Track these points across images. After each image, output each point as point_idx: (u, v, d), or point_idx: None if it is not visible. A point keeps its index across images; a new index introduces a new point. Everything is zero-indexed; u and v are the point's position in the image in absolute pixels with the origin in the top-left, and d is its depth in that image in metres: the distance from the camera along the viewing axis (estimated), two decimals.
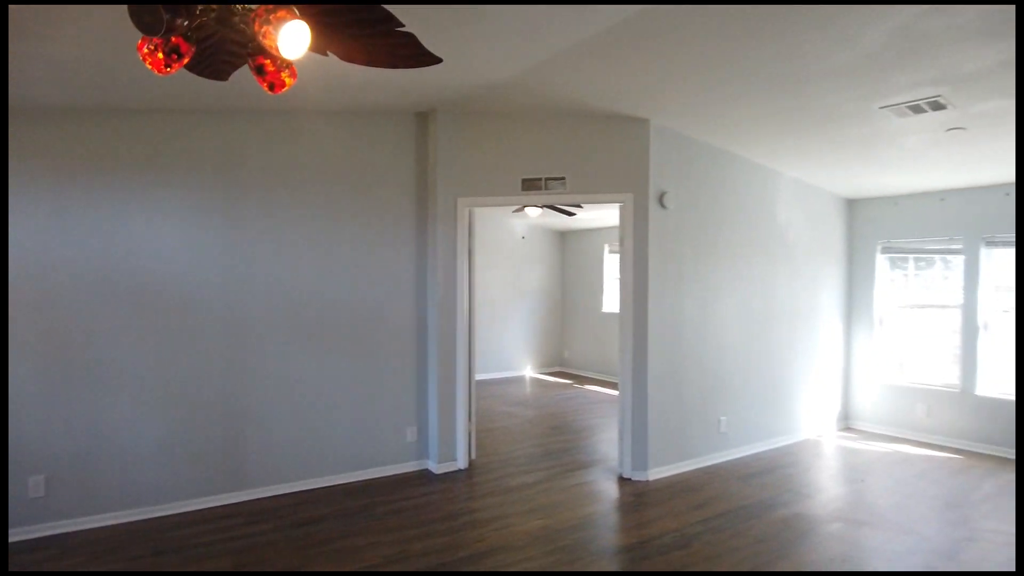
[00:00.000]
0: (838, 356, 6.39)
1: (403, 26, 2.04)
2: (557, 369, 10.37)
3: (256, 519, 3.94)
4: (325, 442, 4.58)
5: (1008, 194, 5.34)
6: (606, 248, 9.59)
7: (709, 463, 5.13)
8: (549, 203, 5.24)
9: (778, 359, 5.72)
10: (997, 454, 5.36)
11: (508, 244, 9.78)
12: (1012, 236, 5.33)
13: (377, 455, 4.80)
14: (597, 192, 4.84)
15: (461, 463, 4.99)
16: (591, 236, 9.84)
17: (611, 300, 9.55)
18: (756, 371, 5.52)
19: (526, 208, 7.23)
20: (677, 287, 4.93)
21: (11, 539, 3.55)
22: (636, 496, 4.42)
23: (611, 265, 9.61)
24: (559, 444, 5.84)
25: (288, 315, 4.44)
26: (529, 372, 10.08)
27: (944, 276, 5.97)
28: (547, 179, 4.87)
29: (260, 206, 4.35)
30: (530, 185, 4.88)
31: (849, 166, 5.37)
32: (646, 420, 4.73)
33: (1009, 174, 5.14)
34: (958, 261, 5.71)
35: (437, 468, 4.87)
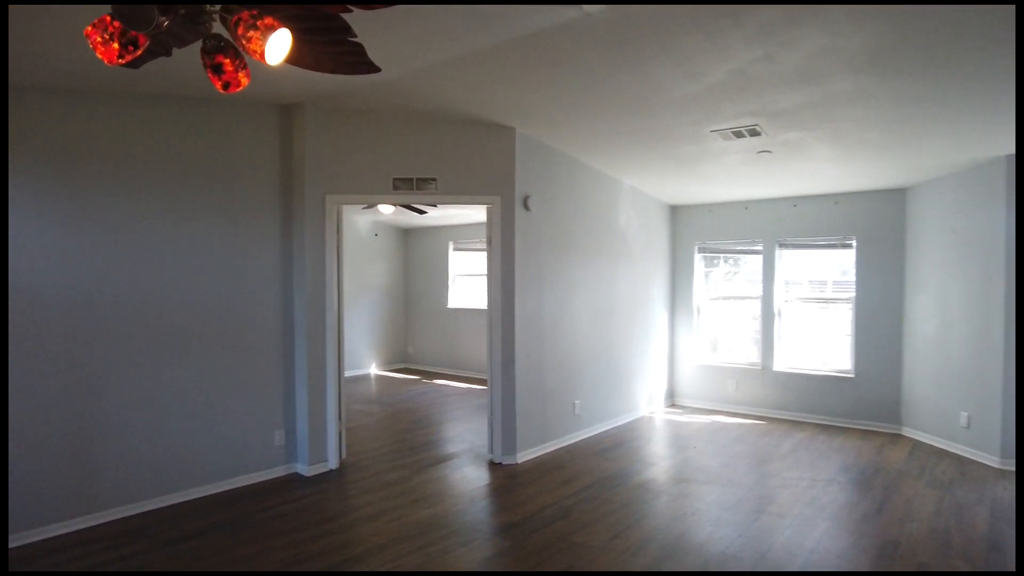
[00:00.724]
0: (665, 342, 7.31)
1: (356, 36, 2.11)
2: (402, 366, 10.43)
3: (120, 542, 3.59)
4: (187, 453, 4.27)
5: (795, 205, 6.54)
6: (451, 245, 9.85)
7: (568, 443, 5.64)
8: (420, 203, 5.36)
9: (620, 347, 6.42)
10: (790, 418, 6.57)
11: (352, 241, 9.61)
12: (799, 239, 6.55)
13: (244, 462, 4.58)
14: (466, 194, 5.07)
15: (332, 463, 4.94)
16: (436, 233, 10.03)
17: (457, 296, 9.85)
18: (603, 358, 6.16)
19: (379, 205, 7.25)
20: (538, 283, 5.33)
21: None
22: (510, 478, 4.75)
23: (457, 262, 9.90)
24: (424, 437, 5.99)
25: (143, 318, 4.07)
26: (374, 370, 10.02)
27: (747, 272, 7.12)
28: (418, 179, 5.00)
29: (107, 199, 3.92)
30: (401, 185, 4.96)
31: (678, 178, 6.18)
32: (514, 408, 5.08)
33: (798, 189, 6.30)
34: (757, 260, 6.85)
35: (308, 471, 4.78)
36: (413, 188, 4.99)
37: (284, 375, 4.81)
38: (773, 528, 3.79)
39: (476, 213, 8.60)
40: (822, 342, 6.60)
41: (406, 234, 10.49)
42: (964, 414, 5.20)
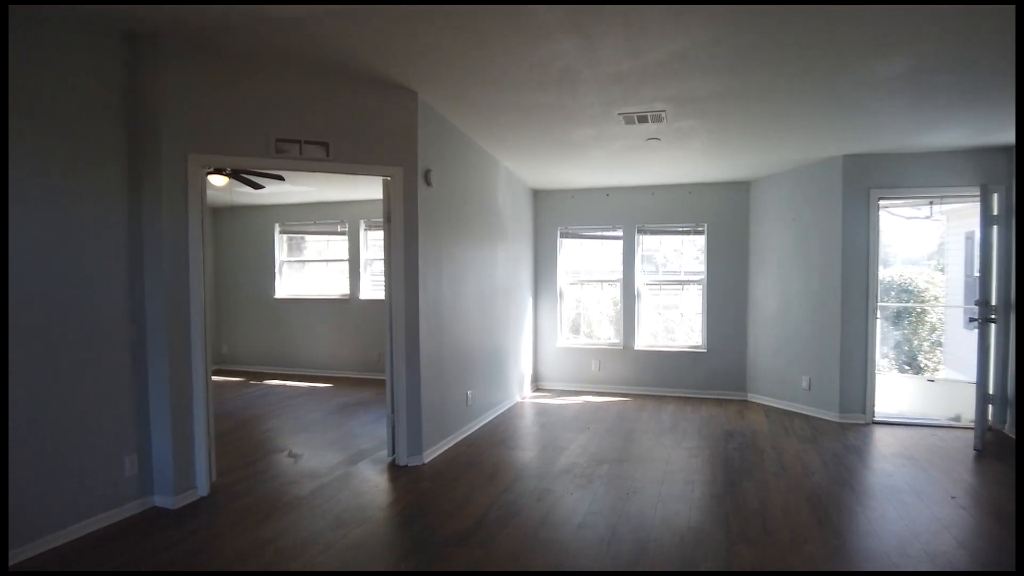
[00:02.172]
0: (530, 326, 7.30)
1: None
2: (216, 367, 8.96)
3: None
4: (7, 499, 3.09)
5: (653, 194, 6.97)
6: (277, 228, 8.71)
7: (463, 436, 5.31)
8: (310, 170, 4.55)
9: (500, 332, 6.24)
10: (652, 393, 7.02)
11: None
12: (658, 225, 6.98)
13: (85, 502, 3.45)
14: (364, 163, 4.45)
15: (202, 490, 3.99)
16: (257, 214, 8.78)
17: (286, 285, 8.76)
18: (487, 345, 5.92)
19: (210, 177, 6.10)
20: (437, 267, 4.91)
21: None
22: (428, 481, 4.29)
23: (285, 247, 8.82)
24: (296, 447, 5.17)
25: None
26: None
27: (608, 256, 7.41)
28: (306, 142, 4.26)
29: None
30: (285, 147, 4.19)
31: (562, 161, 6.07)
32: (420, 405, 4.60)
33: (657, 178, 6.69)
34: (618, 244, 7.17)
35: (174, 502, 3.79)
36: (299, 152, 4.23)
37: (134, 383, 3.75)
38: (712, 495, 3.95)
39: (313, 191, 7.70)
40: (677, 321, 7.17)
41: (216, 214, 9.01)
42: (806, 378, 6.03)
